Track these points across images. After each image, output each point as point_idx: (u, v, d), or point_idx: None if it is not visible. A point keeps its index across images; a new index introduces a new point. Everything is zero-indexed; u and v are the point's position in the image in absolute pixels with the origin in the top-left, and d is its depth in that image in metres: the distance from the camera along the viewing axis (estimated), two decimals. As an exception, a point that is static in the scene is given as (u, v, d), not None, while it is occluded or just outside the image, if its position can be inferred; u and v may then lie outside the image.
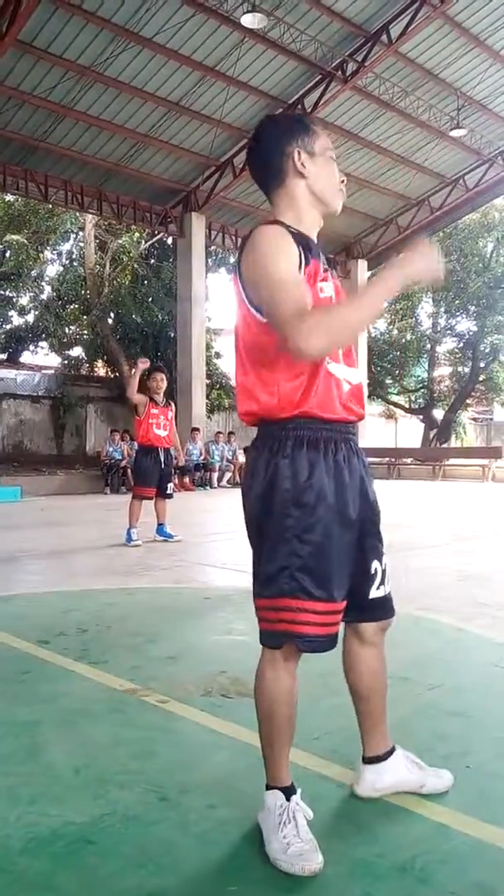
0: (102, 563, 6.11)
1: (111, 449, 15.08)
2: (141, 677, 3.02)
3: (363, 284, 1.56)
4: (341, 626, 1.87)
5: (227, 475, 16.77)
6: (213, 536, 7.98)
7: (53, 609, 4.37)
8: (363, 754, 2.02)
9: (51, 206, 17.94)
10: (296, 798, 1.82)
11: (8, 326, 22.19)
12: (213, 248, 20.17)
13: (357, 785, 2.02)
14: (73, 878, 1.69)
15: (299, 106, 14.93)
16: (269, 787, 1.86)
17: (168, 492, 7.31)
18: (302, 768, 2.11)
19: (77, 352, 22.92)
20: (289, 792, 1.82)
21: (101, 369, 22.58)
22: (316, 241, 1.83)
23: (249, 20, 12.30)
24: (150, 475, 7.17)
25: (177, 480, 14.43)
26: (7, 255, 21.55)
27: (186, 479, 15.14)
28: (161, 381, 7.30)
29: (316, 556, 1.73)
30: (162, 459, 7.19)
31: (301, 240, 1.74)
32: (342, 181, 1.87)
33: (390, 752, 2.01)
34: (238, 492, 1.93)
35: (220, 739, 2.41)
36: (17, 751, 2.34)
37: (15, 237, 20.21)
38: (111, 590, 4.91)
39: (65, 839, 1.84)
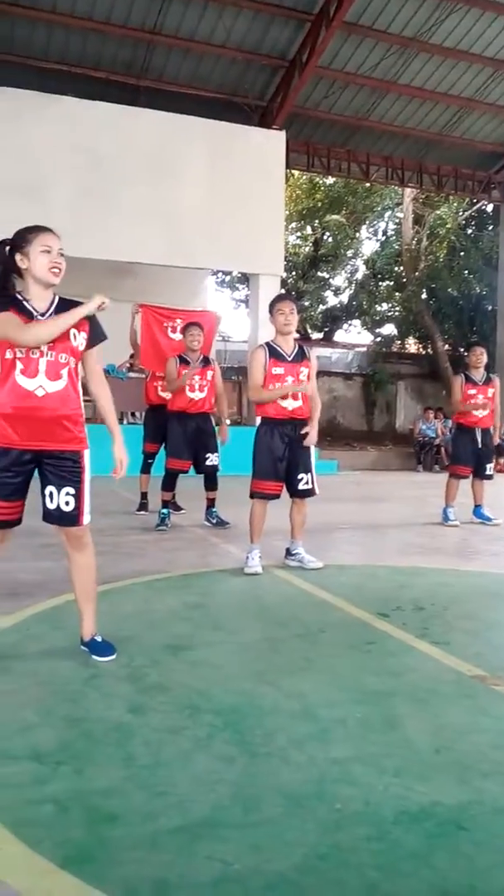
0: (424, 541, 6.05)
1: (424, 427, 14.91)
2: (488, 665, 2.90)
3: None
4: None
5: None
6: (540, 523, 7.44)
7: (386, 583, 4.42)
8: None
9: (369, 184, 18.11)
10: None
11: (324, 307, 23.06)
12: (538, 211, 18.71)
13: None
14: (451, 861, 1.66)
15: None
16: None
17: (487, 473, 6.98)
18: None
19: (388, 329, 23.01)
20: None
21: (412, 346, 22.42)
22: None
23: None
24: (466, 455, 6.92)
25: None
26: (326, 237, 22.33)
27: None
28: (481, 356, 7.00)
29: None
30: (479, 439, 6.90)
31: None
32: None
33: None
34: None
35: None
36: (373, 719, 2.39)
37: (335, 217, 20.82)
38: (441, 569, 4.82)
39: (435, 819, 1.82)
